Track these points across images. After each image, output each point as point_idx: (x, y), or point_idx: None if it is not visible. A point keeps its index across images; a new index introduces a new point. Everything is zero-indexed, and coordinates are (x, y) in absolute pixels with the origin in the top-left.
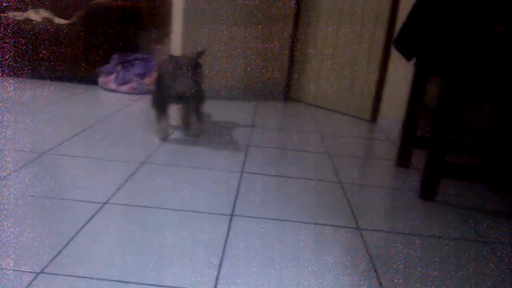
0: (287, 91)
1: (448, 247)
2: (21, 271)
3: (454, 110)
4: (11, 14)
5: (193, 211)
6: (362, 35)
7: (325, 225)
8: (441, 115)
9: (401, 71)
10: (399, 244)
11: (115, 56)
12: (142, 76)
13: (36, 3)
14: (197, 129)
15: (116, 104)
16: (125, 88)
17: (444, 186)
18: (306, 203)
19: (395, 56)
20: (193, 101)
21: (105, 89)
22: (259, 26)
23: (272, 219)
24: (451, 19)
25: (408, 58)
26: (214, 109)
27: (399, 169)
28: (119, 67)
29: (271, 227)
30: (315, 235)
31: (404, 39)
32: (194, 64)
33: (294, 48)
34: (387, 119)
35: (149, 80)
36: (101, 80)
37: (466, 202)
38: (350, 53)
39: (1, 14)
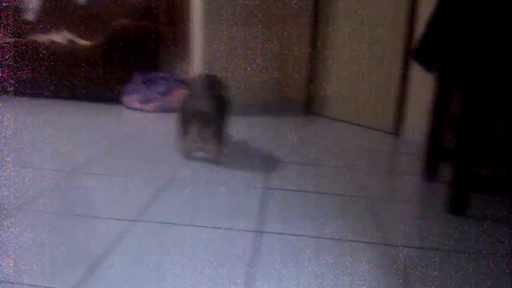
0: (307, 105)
1: (479, 262)
2: None
3: (480, 121)
4: (35, 37)
5: (218, 228)
6: (384, 47)
7: (351, 241)
8: (466, 126)
9: (423, 82)
10: (429, 260)
11: (137, 75)
12: (164, 94)
13: (60, 25)
14: (217, 150)
15: (140, 122)
16: (148, 106)
17: (473, 199)
18: (332, 219)
19: (416, 67)
20: (213, 120)
21: (128, 107)
22: (277, 43)
23: (298, 235)
24: (473, 29)
25: (429, 70)
26: (233, 125)
27: (426, 182)
28: (142, 86)
29: (297, 243)
30: (341, 251)
31: (424, 51)
32: (215, 82)
33: (313, 62)
34: (410, 132)
35: (172, 98)
36: (124, 99)
37: (496, 215)
38: (370, 66)
39: (26, 37)
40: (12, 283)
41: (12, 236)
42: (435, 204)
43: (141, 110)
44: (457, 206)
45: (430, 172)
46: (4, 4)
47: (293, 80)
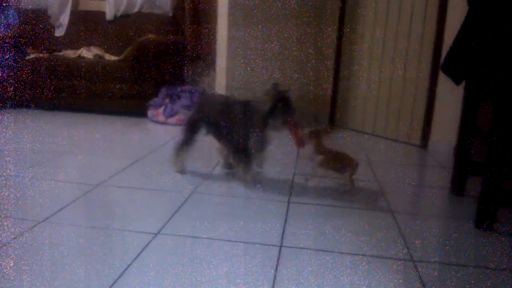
0: (332, 117)
1: (507, 278)
2: None
3: (509, 134)
4: (65, 52)
5: (242, 242)
6: (409, 58)
7: (377, 256)
8: (495, 139)
9: (450, 95)
10: (455, 277)
11: (163, 89)
12: (189, 108)
13: (89, 41)
14: (253, 175)
15: (165, 136)
16: (173, 120)
17: (502, 214)
18: (357, 234)
19: (443, 79)
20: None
21: (154, 121)
22: (303, 57)
23: (322, 250)
24: (501, 41)
25: (458, 83)
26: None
27: (454, 197)
28: (167, 100)
29: (322, 258)
30: (367, 267)
31: (452, 63)
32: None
33: (338, 73)
34: (438, 145)
35: None
36: (150, 113)
37: None
38: (397, 77)
39: (56, 53)
40: None
41: (40, 247)
42: (463, 219)
43: (166, 123)
44: (485, 221)
45: (458, 185)
46: (4, 4)
47: (319, 92)
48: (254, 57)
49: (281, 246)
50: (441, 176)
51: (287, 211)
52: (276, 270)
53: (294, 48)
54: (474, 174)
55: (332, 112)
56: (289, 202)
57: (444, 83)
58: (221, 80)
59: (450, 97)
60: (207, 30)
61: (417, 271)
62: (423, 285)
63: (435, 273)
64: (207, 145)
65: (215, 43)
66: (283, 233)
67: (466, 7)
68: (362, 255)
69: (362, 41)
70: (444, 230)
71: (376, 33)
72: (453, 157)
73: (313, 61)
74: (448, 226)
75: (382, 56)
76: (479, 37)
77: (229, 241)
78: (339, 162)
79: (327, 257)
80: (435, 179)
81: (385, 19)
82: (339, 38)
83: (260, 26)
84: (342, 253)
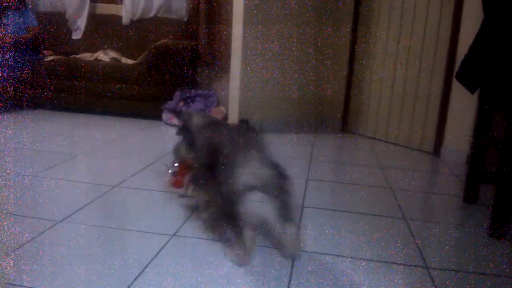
0: (344, 123)
1: None
2: None
3: None
4: (82, 55)
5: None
6: (422, 66)
7: (390, 263)
8: (509, 148)
9: (463, 102)
10: (469, 284)
11: (177, 93)
12: (202, 111)
13: (105, 45)
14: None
15: (180, 139)
16: None
17: None
18: (370, 240)
19: (456, 87)
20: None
21: (168, 124)
22: (314, 63)
23: (335, 255)
24: None
25: (472, 91)
26: (270, 141)
27: (467, 205)
28: (181, 103)
29: (334, 263)
30: (380, 273)
31: (467, 71)
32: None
33: (351, 79)
34: (450, 152)
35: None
36: (164, 116)
37: None
38: (410, 84)
39: (74, 55)
40: None
41: (60, 246)
42: (476, 227)
43: None
44: (499, 229)
45: (471, 194)
46: (4, 4)
47: (331, 98)
48: (270, 60)
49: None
50: (453, 184)
51: (301, 215)
52: (290, 274)
53: (310, 51)
54: (486, 183)
55: (345, 118)
56: (302, 206)
57: (458, 90)
58: (235, 83)
59: (463, 105)
60: (221, 34)
61: (431, 277)
62: None
63: (449, 281)
64: None
65: (229, 48)
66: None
67: (482, 15)
68: (376, 261)
69: (375, 47)
70: (457, 238)
71: (390, 40)
72: (466, 165)
73: (329, 64)
74: (461, 233)
75: (395, 63)
76: (494, 46)
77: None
78: None
79: (339, 262)
80: (447, 187)
81: (399, 25)
82: (352, 44)
83: (277, 26)
84: (354, 258)
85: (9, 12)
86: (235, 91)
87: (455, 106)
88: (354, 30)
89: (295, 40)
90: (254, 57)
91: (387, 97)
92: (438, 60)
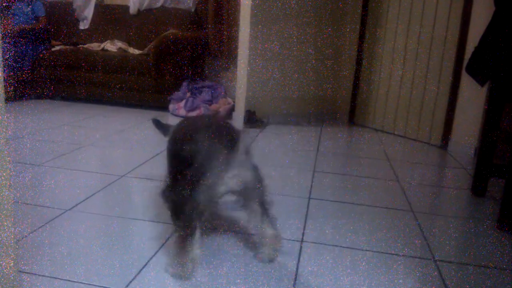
0: (351, 115)
1: None
2: None
3: None
4: (89, 45)
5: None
6: (431, 58)
7: (397, 255)
8: None
9: (472, 95)
10: (477, 277)
11: (184, 83)
12: (209, 102)
13: (112, 35)
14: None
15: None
16: (194, 114)
17: None
18: (377, 232)
19: (465, 80)
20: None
21: (175, 115)
22: (325, 61)
23: (342, 246)
24: None
25: (482, 84)
26: (277, 133)
27: (475, 198)
28: (188, 94)
29: (341, 255)
30: (387, 265)
31: (478, 64)
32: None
33: (359, 71)
34: (458, 145)
35: (216, 106)
36: (171, 106)
37: None
38: (418, 77)
39: (81, 45)
40: (68, 280)
41: (66, 236)
42: (484, 220)
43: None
44: (508, 222)
45: (479, 187)
46: (4, 4)
47: (339, 91)
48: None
49: (301, 241)
50: (461, 177)
51: (307, 208)
52: (297, 265)
53: (324, 50)
54: (495, 176)
55: (352, 111)
56: (309, 198)
57: (466, 83)
58: (242, 74)
59: (472, 98)
60: (229, 25)
61: (438, 270)
62: (445, 285)
63: (457, 273)
64: None
65: (236, 39)
66: (304, 228)
67: (492, 8)
68: (383, 252)
69: (384, 40)
70: (465, 231)
71: (399, 32)
72: (474, 158)
73: (333, 61)
74: (470, 226)
75: (404, 55)
76: (505, 39)
77: (248, 234)
78: None
79: (346, 254)
80: (456, 180)
81: (408, 18)
82: (361, 37)
83: (281, 23)
84: (362, 249)
85: (17, 2)
86: (242, 83)
87: (463, 99)
88: (363, 23)
89: (309, 38)
90: (262, 51)
91: (395, 90)
92: (447, 54)
